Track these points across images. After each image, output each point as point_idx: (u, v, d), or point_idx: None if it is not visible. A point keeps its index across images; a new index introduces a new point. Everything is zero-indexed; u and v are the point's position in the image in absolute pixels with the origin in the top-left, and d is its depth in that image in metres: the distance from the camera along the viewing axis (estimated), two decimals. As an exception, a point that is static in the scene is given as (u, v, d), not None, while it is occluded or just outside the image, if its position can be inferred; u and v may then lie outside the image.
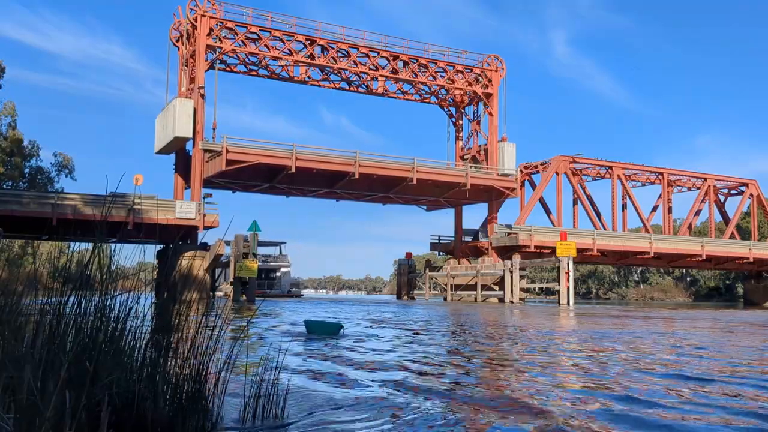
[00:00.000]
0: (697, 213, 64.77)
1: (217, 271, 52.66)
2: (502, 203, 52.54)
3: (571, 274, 43.48)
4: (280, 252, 73.37)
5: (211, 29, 42.51)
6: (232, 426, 3.92)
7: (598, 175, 58.98)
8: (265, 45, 44.67)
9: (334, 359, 7.97)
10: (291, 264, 74.01)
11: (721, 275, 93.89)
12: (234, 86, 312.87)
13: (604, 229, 56.06)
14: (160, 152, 43.99)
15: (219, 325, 3.86)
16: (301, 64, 46.65)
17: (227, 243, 44.27)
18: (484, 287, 49.45)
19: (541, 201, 56.38)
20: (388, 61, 48.92)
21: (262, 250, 59.60)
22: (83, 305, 3.30)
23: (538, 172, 56.85)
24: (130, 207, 35.41)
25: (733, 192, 66.68)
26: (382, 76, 49.20)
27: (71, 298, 3.29)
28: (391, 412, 4.64)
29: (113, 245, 3.71)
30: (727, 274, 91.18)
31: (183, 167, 43.49)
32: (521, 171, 54.18)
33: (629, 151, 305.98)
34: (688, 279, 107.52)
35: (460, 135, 55.92)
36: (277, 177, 43.06)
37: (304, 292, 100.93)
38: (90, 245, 3.46)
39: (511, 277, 46.63)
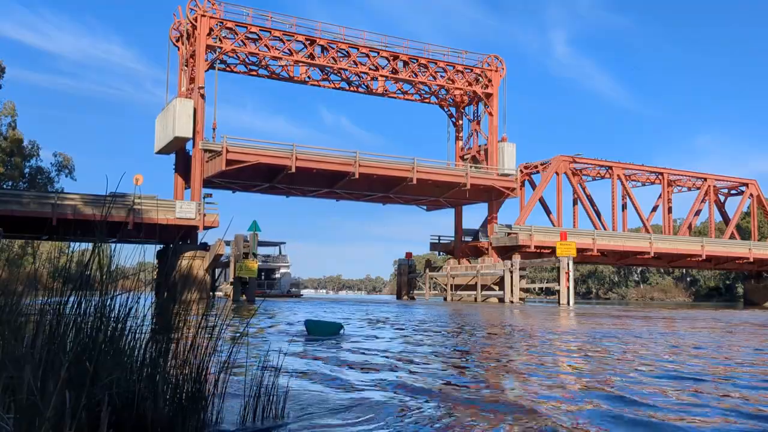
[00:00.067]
0: (697, 213, 64.79)
1: (217, 271, 52.68)
2: (502, 203, 52.55)
3: (571, 274, 43.48)
4: (280, 252, 73.39)
5: (211, 29, 42.51)
6: (233, 426, 3.92)
7: (598, 175, 58.98)
8: (265, 45, 44.67)
9: (334, 360, 7.97)
10: (291, 264, 74.07)
11: (721, 275, 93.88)
12: (234, 86, 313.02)
13: (604, 229, 56.06)
14: (160, 152, 43.99)
15: (219, 324, 3.87)
16: (301, 64, 46.65)
17: (227, 243, 44.28)
18: (484, 287, 49.44)
19: (541, 201, 56.39)
20: (388, 61, 48.91)
21: (262, 250, 59.58)
22: (83, 305, 3.30)
23: (538, 172, 56.85)
24: (130, 207, 35.41)
25: (733, 192, 66.69)
26: (382, 76, 49.20)
27: (71, 298, 3.29)
28: (390, 412, 4.65)
29: (113, 245, 3.71)
30: (727, 274, 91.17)
31: (183, 167, 43.48)
32: (521, 171, 54.18)
33: (629, 151, 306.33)
34: (688, 279, 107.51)
35: (460, 135, 55.92)
36: (277, 177, 43.06)
37: (304, 292, 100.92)
38: (90, 245, 3.46)
39: (511, 277, 46.63)
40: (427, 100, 54.42)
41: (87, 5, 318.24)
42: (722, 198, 66.80)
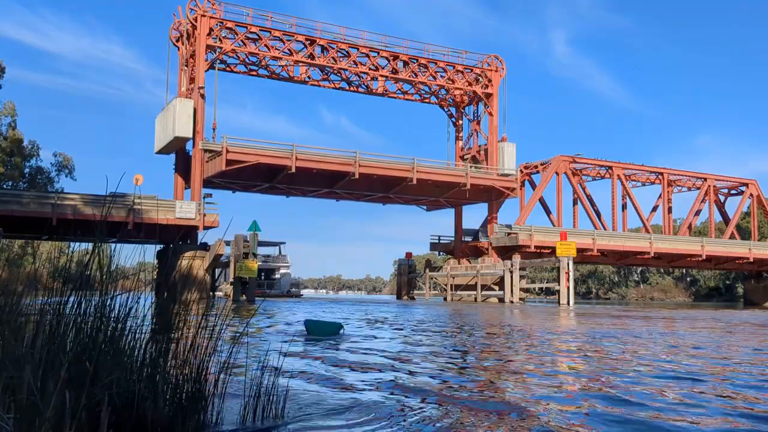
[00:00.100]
0: (697, 213, 64.79)
1: (217, 271, 52.67)
2: (502, 203, 52.56)
3: (571, 274, 43.48)
4: (280, 252, 73.38)
5: (211, 29, 42.51)
6: (232, 426, 3.92)
7: (598, 175, 58.99)
8: (265, 45, 44.67)
9: (334, 360, 7.98)
10: (291, 264, 74.07)
11: (721, 275, 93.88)
12: (234, 86, 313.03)
13: (604, 229, 56.07)
14: (160, 152, 44.00)
15: (219, 324, 3.87)
16: (301, 64, 46.66)
17: (227, 243, 44.29)
18: (484, 287, 49.45)
19: (541, 201, 56.39)
20: (388, 61, 48.92)
21: (261, 250, 59.57)
22: (83, 305, 3.31)
23: (538, 172, 56.86)
24: (130, 207, 35.41)
25: (733, 192, 66.70)
26: (382, 76, 49.21)
27: (71, 298, 3.30)
28: (389, 412, 4.66)
29: (113, 245, 3.72)
30: (727, 274, 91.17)
31: (183, 167, 43.49)
32: (521, 171, 54.19)
33: (629, 151, 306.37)
34: (688, 279, 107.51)
35: (460, 135, 55.93)
36: (277, 177, 43.07)
37: (304, 292, 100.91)
38: (90, 245, 3.47)
39: (511, 277, 46.64)
40: (427, 100, 54.43)
41: (87, 5, 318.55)
42: (722, 198, 66.80)
